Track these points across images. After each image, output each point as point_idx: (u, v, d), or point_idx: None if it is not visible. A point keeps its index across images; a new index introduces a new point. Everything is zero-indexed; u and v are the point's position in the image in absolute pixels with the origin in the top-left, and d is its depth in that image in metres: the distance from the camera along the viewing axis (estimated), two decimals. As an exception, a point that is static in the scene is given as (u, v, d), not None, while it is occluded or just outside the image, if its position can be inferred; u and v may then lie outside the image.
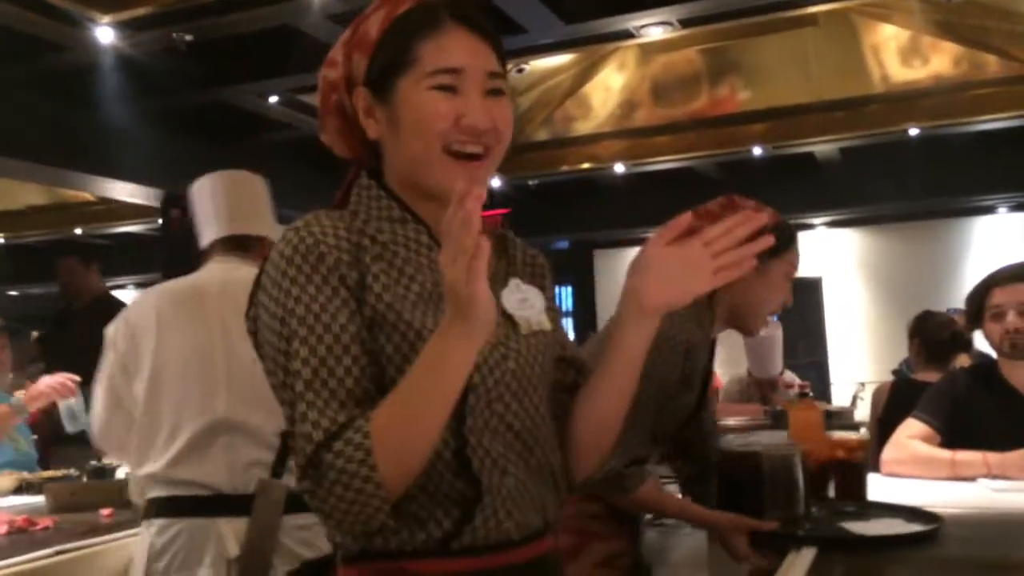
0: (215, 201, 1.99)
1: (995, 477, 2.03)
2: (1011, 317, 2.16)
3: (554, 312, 1.11)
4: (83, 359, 3.21)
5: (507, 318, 1.01)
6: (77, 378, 2.80)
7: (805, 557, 1.44)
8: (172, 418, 1.81)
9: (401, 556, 0.95)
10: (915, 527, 1.54)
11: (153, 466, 1.81)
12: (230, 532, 1.74)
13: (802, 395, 3.30)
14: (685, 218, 1.01)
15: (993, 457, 2.06)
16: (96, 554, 1.93)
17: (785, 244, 1.77)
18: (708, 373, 1.83)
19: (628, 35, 5.56)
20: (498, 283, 1.03)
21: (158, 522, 1.78)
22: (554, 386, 1.09)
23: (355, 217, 1.01)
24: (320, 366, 0.90)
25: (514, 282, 1.05)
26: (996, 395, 2.20)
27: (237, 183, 2.03)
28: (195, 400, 1.80)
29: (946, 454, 2.12)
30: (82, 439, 3.07)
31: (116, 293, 10.50)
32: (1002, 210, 7.79)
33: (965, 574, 1.40)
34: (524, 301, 1.03)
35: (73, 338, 3.88)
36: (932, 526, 1.52)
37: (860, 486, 1.81)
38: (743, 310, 1.79)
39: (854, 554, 1.49)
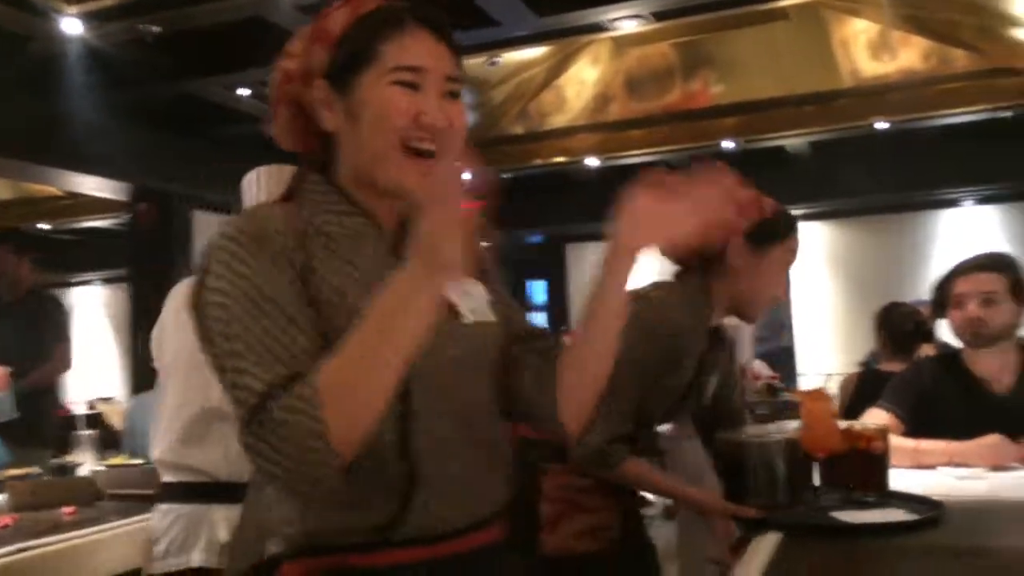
0: (256, 194, 2.04)
1: (956, 465, 2.06)
2: (972, 306, 2.19)
3: (503, 304, 1.13)
4: (13, 354, 3.18)
5: (449, 308, 1.03)
6: (9, 369, 2.80)
7: (769, 543, 1.46)
8: (174, 405, 1.93)
9: (346, 550, 0.94)
10: (904, 517, 1.55)
11: (158, 451, 1.94)
12: (223, 519, 1.83)
13: (771, 388, 3.33)
14: (659, 175, 1.05)
15: (954, 446, 2.09)
16: (58, 552, 1.92)
17: (784, 232, 1.80)
18: (705, 359, 1.85)
19: (602, 28, 5.57)
20: None
21: (162, 507, 1.90)
22: (523, 356, 1.10)
23: (301, 208, 1.02)
24: (264, 335, 0.90)
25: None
26: (959, 384, 2.23)
27: (282, 177, 2.07)
28: (194, 388, 1.89)
29: (909, 443, 2.15)
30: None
31: (83, 289, 10.47)
32: (967, 203, 7.90)
33: (930, 562, 1.41)
34: (466, 293, 1.05)
35: (4, 333, 3.81)
36: (905, 518, 1.54)
37: (881, 476, 1.80)
38: (744, 297, 1.82)
39: (830, 541, 1.51)
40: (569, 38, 6.15)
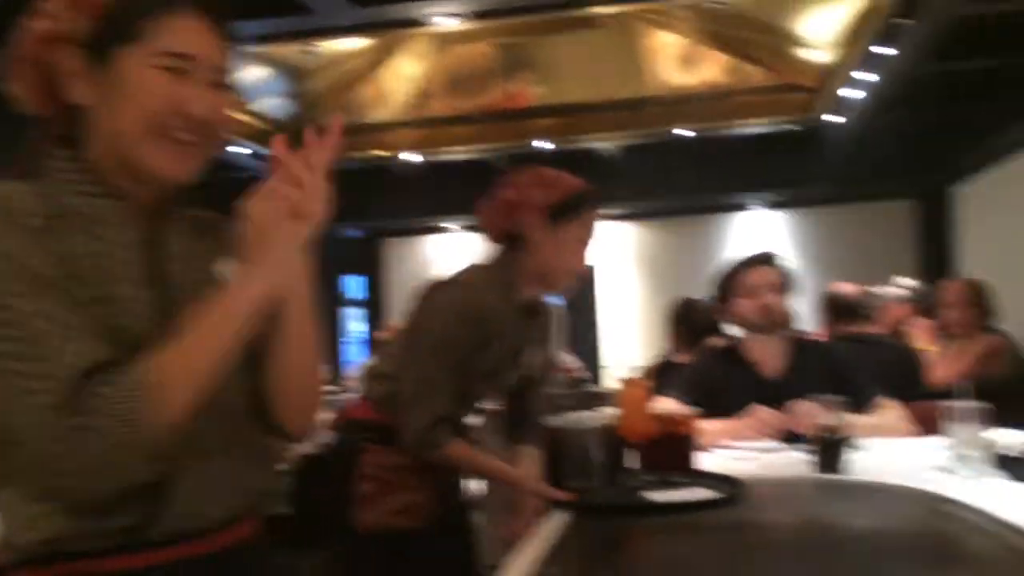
0: None
1: (727, 446, 2.22)
2: (767, 295, 2.39)
3: None
4: None
5: None
6: None
7: (557, 523, 1.53)
8: None
9: (98, 553, 0.90)
10: (710, 495, 1.66)
11: None
12: None
13: (575, 380, 3.46)
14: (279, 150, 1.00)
15: (729, 423, 2.27)
16: None
17: (575, 209, 1.84)
18: (521, 334, 1.89)
19: (420, 23, 5.57)
20: (197, 260, 1.02)
21: None
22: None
23: (47, 186, 0.95)
24: (55, 312, 0.85)
25: (223, 260, 1.03)
26: (738, 370, 2.42)
27: None
28: None
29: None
30: None
31: None
32: (758, 208, 8.52)
33: (715, 535, 1.51)
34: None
35: None
36: (711, 496, 1.65)
37: (685, 457, 1.91)
38: (542, 271, 1.86)
39: (632, 520, 1.60)
40: (390, 31, 6.12)
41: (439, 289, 1.85)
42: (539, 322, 1.96)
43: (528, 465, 1.93)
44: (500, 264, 1.88)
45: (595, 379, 7.21)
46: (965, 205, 7.47)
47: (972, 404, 1.77)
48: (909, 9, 4.39)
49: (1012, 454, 1.76)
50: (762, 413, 2.25)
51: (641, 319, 8.26)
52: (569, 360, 4.68)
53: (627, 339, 8.30)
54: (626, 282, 8.56)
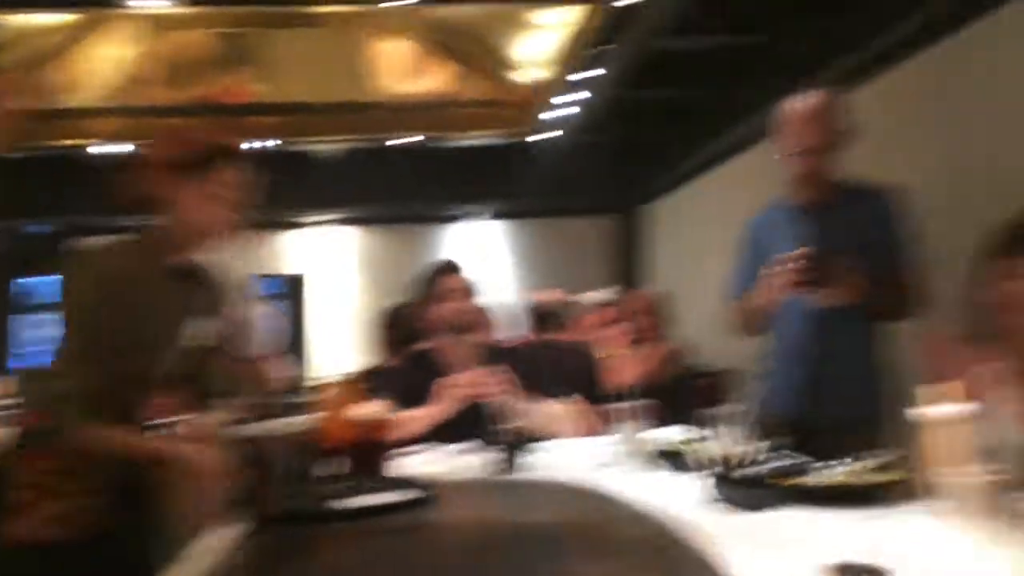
0: None
1: (419, 451, 2.29)
2: (460, 299, 2.52)
3: None
4: None
5: None
6: None
7: (232, 533, 1.48)
8: None
9: None
10: (400, 498, 1.66)
11: None
12: None
13: (283, 387, 3.36)
14: None
15: (429, 408, 2.41)
16: None
17: (204, 164, 1.77)
18: (179, 299, 1.81)
19: (116, 4, 5.17)
20: None
21: None
22: None
23: None
24: None
25: None
26: (435, 374, 2.54)
27: None
28: None
29: (399, 416, 2.38)
30: None
31: None
32: (475, 217, 8.81)
33: (399, 536, 1.54)
34: None
35: None
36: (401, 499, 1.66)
37: (376, 462, 1.92)
38: (181, 231, 1.79)
39: (326, 527, 1.60)
40: (85, 10, 5.62)
41: (75, 263, 1.75)
42: (202, 290, 1.89)
43: (205, 427, 1.86)
44: (142, 230, 1.81)
45: (308, 386, 7.06)
46: (656, 221, 8.25)
47: (636, 404, 1.95)
48: (608, 39, 4.76)
49: (670, 449, 1.95)
50: (442, 386, 2.39)
51: (361, 324, 8.21)
52: (283, 366, 4.53)
53: (345, 344, 8.21)
54: (346, 287, 8.48)
